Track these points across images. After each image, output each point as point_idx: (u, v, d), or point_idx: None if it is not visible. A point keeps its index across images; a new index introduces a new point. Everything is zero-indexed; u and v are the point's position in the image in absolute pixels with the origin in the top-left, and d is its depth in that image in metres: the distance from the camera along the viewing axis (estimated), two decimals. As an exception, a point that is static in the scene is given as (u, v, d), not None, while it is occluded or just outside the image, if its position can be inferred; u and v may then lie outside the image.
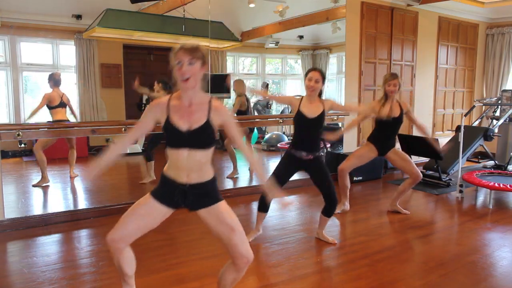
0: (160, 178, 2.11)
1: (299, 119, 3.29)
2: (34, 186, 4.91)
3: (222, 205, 2.08)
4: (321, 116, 3.26)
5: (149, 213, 2.06)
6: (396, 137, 4.19)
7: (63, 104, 5.03)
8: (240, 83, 5.90)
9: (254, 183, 5.48)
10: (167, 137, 1.98)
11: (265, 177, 2.18)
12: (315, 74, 3.23)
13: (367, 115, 4.19)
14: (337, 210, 4.25)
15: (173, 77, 1.95)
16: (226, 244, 2.06)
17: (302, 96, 3.36)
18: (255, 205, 4.63)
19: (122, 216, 2.07)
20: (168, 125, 1.96)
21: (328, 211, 3.38)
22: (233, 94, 6.46)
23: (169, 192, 2.04)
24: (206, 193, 2.06)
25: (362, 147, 4.30)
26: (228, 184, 5.36)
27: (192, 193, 2.02)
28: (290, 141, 3.37)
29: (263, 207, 3.48)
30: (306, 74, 3.31)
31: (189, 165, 1.98)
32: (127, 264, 2.11)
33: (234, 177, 5.64)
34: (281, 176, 3.34)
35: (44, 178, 4.91)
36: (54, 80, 5.02)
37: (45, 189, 4.88)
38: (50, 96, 4.97)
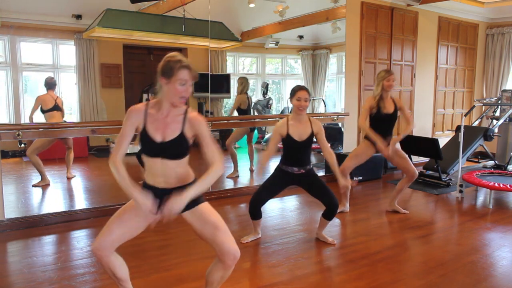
0: (142, 185, 2.11)
1: (289, 143, 3.24)
2: (34, 186, 4.91)
3: (205, 206, 2.10)
4: (311, 137, 3.24)
5: (132, 218, 2.05)
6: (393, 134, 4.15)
7: (57, 108, 4.99)
8: (242, 81, 5.89)
9: (255, 183, 5.48)
10: (143, 146, 2.01)
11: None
12: (304, 93, 3.16)
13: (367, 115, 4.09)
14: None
15: (159, 87, 1.97)
16: (211, 243, 2.06)
17: (287, 117, 3.28)
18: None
19: (107, 223, 2.07)
20: (144, 135, 1.99)
21: (329, 215, 3.37)
22: (233, 94, 6.46)
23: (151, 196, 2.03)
24: None
25: (360, 145, 4.29)
26: (228, 184, 5.36)
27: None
28: (281, 157, 3.39)
29: (255, 215, 3.42)
30: (293, 93, 3.22)
31: (164, 173, 2.02)
32: (118, 269, 2.09)
33: (234, 177, 5.64)
34: (270, 188, 3.35)
35: (44, 179, 4.91)
36: (48, 84, 5.04)
37: (45, 189, 4.88)
38: (43, 99, 4.96)
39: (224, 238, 2.03)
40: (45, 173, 4.92)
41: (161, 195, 2.02)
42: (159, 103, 2.01)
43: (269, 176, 3.44)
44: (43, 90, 5.10)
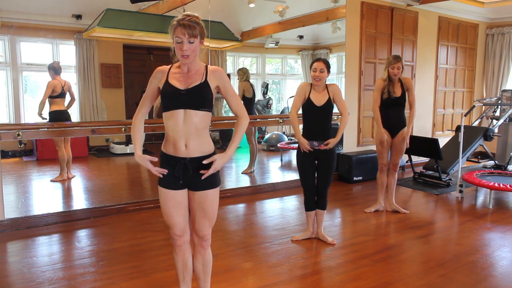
0: (159, 159, 2.11)
1: (308, 108, 3.33)
2: (52, 181, 5.03)
3: (212, 193, 2.10)
4: (329, 103, 3.30)
5: (172, 201, 2.09)
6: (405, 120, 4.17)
7: (63, 94, 5.02)
8: (243, 70, 5.84)
9: (257, 183, 5.49)
10: (164, 100, 2.04)
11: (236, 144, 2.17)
12: (319, 64, 3.29)
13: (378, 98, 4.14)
14: (372, 209, 4.30)
15: (172, 49, 2.04)
16: (192, 220, 2.15)
17: (312, 84, 3.40)
18: (257, 205, 4.64)
19: (163, 216, 2.15)
20: (167, 86, 2.03)
21: (321, 204, 3.42)
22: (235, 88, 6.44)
23: (171, 173, 2.04)
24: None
25: (375, 137, 4.31)
26: (228, 184, 5.36)
27: (192, 167, 2.02)
28: (302, 131, 3.44)
29: (309, 205, 3.45)
30: (310, 65, 3.36)
31: (186, 130, 2.00)
32: (190, 260, 2.24)
33: (249, 173, 5.69)
34: (306, 170, 3.38)
35: (61, 175, 5.01)
36: (54, 69, 4.99)
37: (45, 189, 4.88)
38: (54, 84, 4.95)
39: (204, 225, 2.13)
40: (65, 169, 5.08)
41: (178, 165, 2.02)
42: (179, 64, 2.08)
43: (297, 163, 3.45)
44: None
